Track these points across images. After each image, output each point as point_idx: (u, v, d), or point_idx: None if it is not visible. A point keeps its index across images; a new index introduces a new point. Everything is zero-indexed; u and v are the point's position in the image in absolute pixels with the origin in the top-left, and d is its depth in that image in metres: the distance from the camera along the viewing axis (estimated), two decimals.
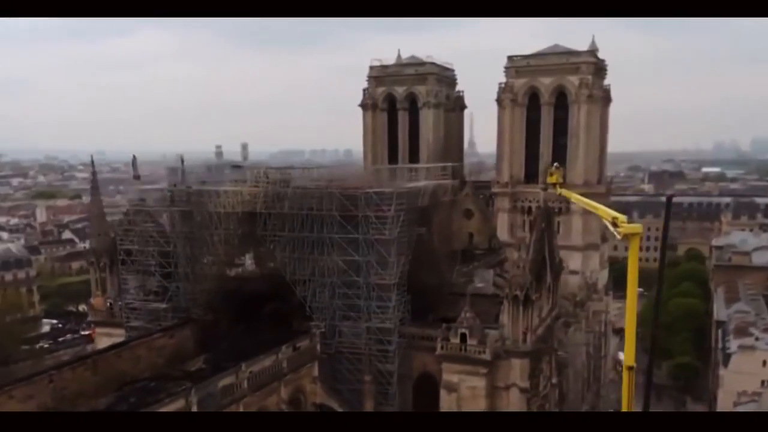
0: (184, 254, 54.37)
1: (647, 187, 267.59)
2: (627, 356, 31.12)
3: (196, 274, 54.68)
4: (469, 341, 52.20)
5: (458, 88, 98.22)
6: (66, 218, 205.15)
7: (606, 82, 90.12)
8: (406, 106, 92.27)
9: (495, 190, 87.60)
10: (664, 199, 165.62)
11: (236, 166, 61.61)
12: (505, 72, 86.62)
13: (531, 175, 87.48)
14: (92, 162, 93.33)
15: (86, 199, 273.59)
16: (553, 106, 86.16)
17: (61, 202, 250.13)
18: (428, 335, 54.93)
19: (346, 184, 51.44)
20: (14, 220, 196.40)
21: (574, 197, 52.47)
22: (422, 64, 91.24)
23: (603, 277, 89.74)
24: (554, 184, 60.28)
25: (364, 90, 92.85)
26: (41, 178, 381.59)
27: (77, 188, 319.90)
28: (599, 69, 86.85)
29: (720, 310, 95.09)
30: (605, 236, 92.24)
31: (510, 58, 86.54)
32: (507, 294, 53.51)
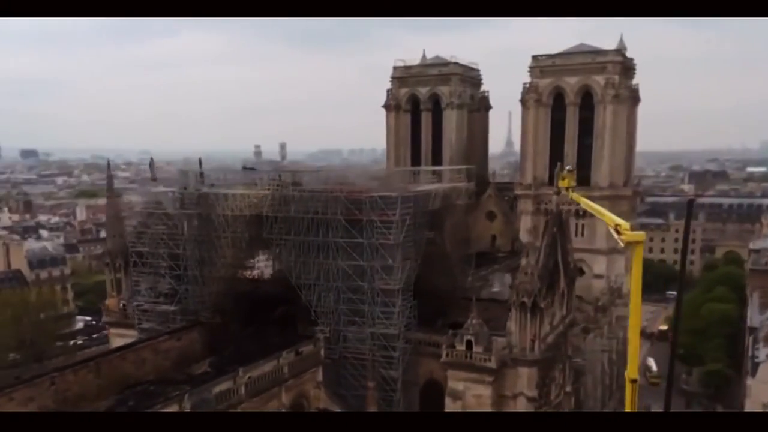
0: (193, 257, 54.34)
1: (687, 188, 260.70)
2: (630, 369, 29.94)
3: (205, 276, 54.57)
4: (474, 348, 51.05)
5: (488, 87, 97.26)
6: (104, 217, 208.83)
7: (635, 81, 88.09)
8: (430, 107, 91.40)
9: (518, 192, 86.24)
10: (698, 200, 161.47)
11: (249, 168, 61.39)
12: (529, 72, 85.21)
13: (555, 176, 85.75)
14: (108, 165, 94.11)
15: (126, 197, 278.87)
16: (579, 107, 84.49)
17: (102, 201, 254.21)
18: (434, 341, 53.88)
19: (353, 187, 50.62)
20: (55, 219, 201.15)
21: (583, 201, 50.90)
22: (446, 64, 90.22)
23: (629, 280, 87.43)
24: (567, 188, 58.77)
25: (387, 91, 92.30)
26: (85, 177, 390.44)
27: (119, 187, 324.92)
28: (627, 68, 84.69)
29: (754, 316, 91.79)
30: None
31: (535, 57, 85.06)
32: (514, 301, 52.30)
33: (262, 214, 52.07)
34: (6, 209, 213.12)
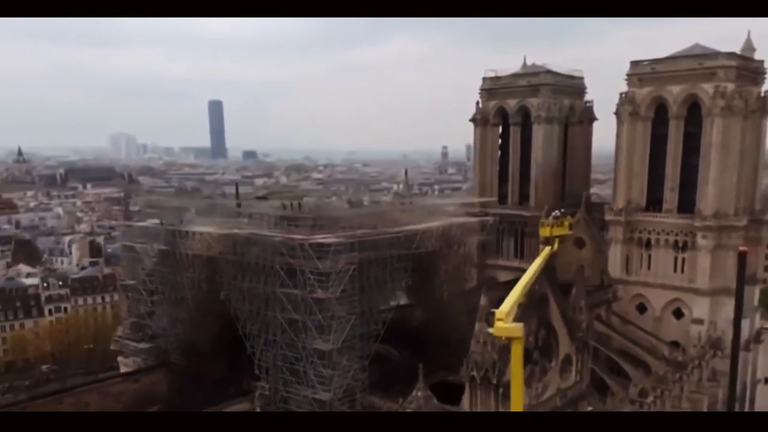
0: (162, 294, 53.01)
1: None
2: None
3: (172, 316, 52.58)
4: None
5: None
6: None
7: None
8: (519, 121, 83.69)
9: (608, 217, 75.83)
10: None
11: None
12: (626, 80, 74.75)
13: (654, 201, 74.38)
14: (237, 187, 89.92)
15: (308, 199, 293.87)
16: (684, 120, 72.42)
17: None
18: (389, 409, 46.58)
19: (297, 231, 44.90)
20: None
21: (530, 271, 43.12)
22: (536, 74, 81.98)
23: (745, 328, 72.94)
24: (548, 238, 49.45)
25: (476, 103, 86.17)
26: (283, 179, 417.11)
27: (307, 188, 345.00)
28: (747, 74, 70.89)
29: None
30: (755, 277, 75.65)
31: (634, 63, 74.31)
32: (463, 375, 44.52)
33: (216, 256, 48.87)
34: (192, 209, 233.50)
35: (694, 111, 71.40)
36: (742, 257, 44.60)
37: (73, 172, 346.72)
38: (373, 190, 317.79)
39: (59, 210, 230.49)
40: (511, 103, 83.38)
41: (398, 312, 51.65)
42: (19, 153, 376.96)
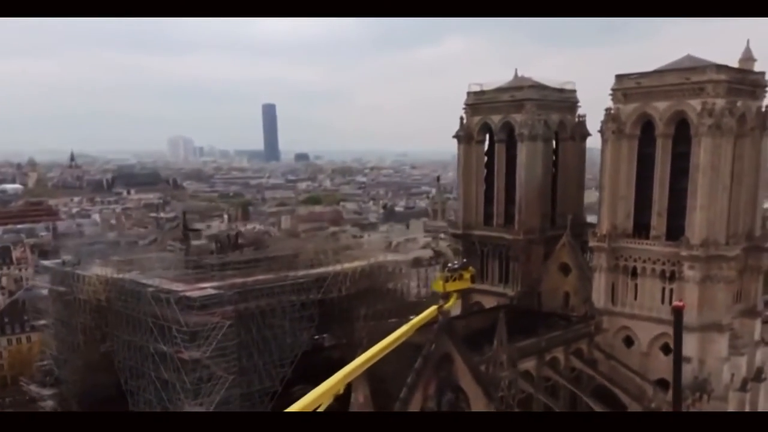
0: (58, 338, 50.30)
1: None
2: None
3: (72, 363, 49.34)
4: None
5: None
6: (301, 226, 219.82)
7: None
8: (503, 138, 78.97)
9: (591, 243, 70.36)
10: None
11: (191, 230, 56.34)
12: (611, 96, 69.17)
13: (641, 226, 68.67)
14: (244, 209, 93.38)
15: (348, 204, 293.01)
16: (671, 139, 66.59)
17: (319, 208, 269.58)
18: None
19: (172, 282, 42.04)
20: (259, 227, 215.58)
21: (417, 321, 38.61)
22: (519, 88, 77.12)
23: (741, 366, 66.63)
24: (445, 293, 44.25)
25: (460, 119, 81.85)
26: (327, 183, 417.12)
27: (347, 192, 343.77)
28: (742, 88, 64.71)
29: None
30: (755, 309, 69.21)
31: (618, 77, 68.75)
32: None
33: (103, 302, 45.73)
34: (225, 216, 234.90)
35: (682, 129, 65.50)
36: (677, 313, 39.46)
37: (120, 177, 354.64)
38: (413, 194, 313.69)
39: (96, 217, 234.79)
40: (496, 119, 78.77)
41: (318, 356, 47.94)
42: (72, 158, 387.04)
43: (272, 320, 41.93)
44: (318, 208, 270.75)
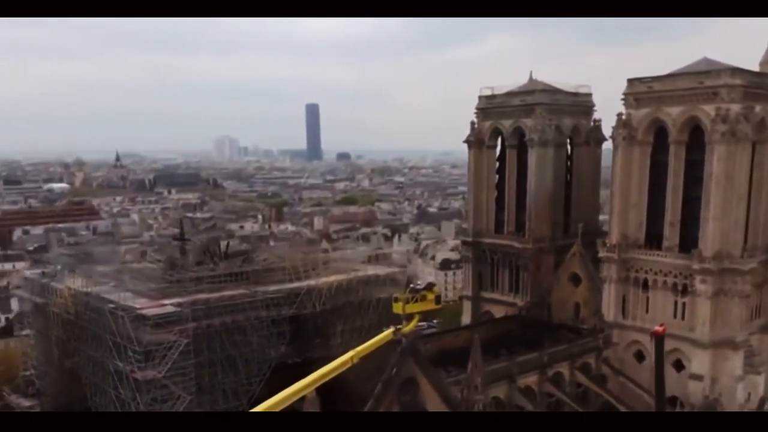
0: (37, 349, 50.09)
1: None
2: None
3: (49, 375, 49.31)
4: None
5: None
6: (333, 226, 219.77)
7: None
8: (515, 143, 76.88)
9: (601, 254, 67.70)
10: None
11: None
12: (623, 100, 66.48)
13: (653, 236, 65.86)
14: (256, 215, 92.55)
15: (383, 204, 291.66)
16: (685, 146, 63.65)
17: (354, 209, 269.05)
18: None
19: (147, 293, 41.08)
20: (291, 228, 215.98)
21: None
22: (530, 92, 74.87)
23: (758, 385, 63.20)
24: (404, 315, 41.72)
25: (471, 123, 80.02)
26: (365, 182, 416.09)
27: (384, 193, 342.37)
28: (760, 93, 61.50)
29: None
30: None
31: (630, 81, 66.05)
32: None
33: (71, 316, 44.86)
34: (259, 216, 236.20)
35: (696, 136, 62.52)
36: (658, 339, 37.23)
37: (161, 177, 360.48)
38: (449, 194, 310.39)
39: (135, 216, 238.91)
40: (506, 124, 76.74)
41: (291, 373, 46.70)
42: (117, 158, 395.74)
43: (238, 337, 40.99)
44: (353, 209, 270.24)
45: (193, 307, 38.37)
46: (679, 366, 63.86)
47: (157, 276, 44.84)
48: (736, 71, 59.82)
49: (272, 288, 41.37)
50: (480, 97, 78.80)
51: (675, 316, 63.76)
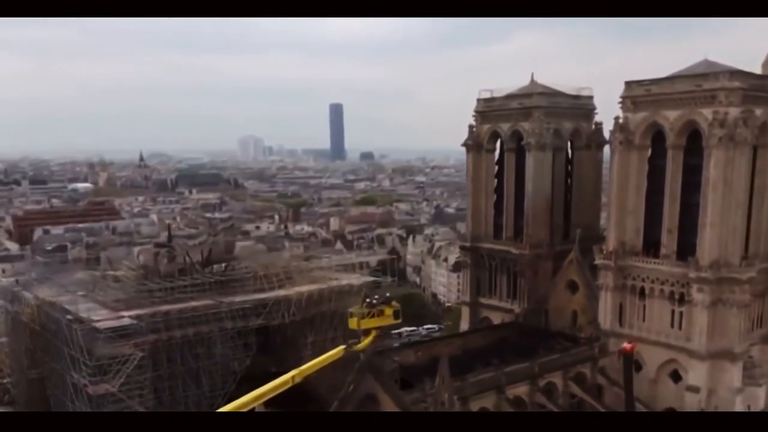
0: (12, 358, 49.77)
1: None
2: None
3: (20, 384, 49.04)
4: None
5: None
6: (349, 227, 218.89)
7: None
8: (513, 147, 75.54)
9: (597, 261, 66.10)
10: None
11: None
12: (620, 104, 64.80)
13: (651, 243, 64.09)
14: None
15: (401, 204, 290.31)
16: (683, 150, 61.82)
17: (372, 209, 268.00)
18: None
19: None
20: (307, 228, 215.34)
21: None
22: (528, 95, 73.39)
23: (758, 397, 61.14)
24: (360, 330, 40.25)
25: (469, 127, 78.83)
26: (386, 182, 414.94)
27: (403, 193, 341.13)
28: (762, 96, 59.29)
29: None
30: None
31: (628, 84, 64.34)
32: None
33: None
34: (276, 216, 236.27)
35: (695, 140, 60.65)
36: (626, 358, 35.87)
37: (183, 177, 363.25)
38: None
39: (154, 217, 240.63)
40: (505, 127, 75.42)
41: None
42: (141, 158, 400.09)
43: (201, 350, 40.38)
44: (370, 209, 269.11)
45: (152, 319, 37.78)
46: (676, 377, 62.16)
47: (130, 285, 44.47)
48: (735, 74, 57.86)
49: (239, 299, 40.63)
50: (478, 100, 77.60)
51: (672, 325, 61.95)
